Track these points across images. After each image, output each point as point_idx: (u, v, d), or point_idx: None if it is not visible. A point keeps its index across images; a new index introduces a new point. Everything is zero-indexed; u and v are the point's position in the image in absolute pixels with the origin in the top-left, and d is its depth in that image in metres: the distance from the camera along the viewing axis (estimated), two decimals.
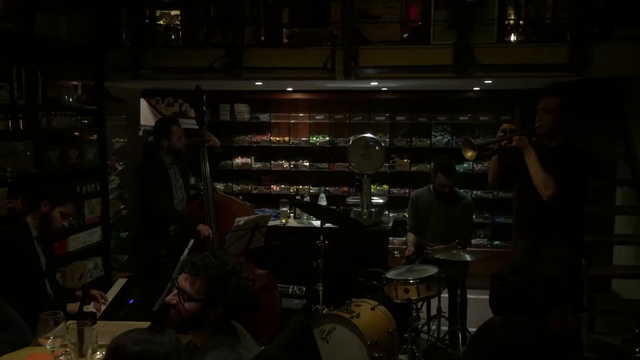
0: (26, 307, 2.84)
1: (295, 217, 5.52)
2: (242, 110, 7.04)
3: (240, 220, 4.01)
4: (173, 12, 5.83)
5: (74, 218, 4.55)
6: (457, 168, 6.46)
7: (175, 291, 2.12)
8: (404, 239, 6.58)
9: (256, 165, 7.12)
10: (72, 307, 3.15)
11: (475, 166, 6.69)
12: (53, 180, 4.20)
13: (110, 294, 3.42)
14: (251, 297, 2.21)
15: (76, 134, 4.98)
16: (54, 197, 3.36)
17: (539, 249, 3.55)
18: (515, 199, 6.53)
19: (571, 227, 3.51)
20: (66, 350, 2.38)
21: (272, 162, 7.09)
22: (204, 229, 4.32)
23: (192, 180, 5.31)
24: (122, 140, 5.89)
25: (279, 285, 4.75)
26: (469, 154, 3.67)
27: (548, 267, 2.01)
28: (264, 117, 7.09)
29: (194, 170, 4.81)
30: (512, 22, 5.23)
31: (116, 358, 1.56)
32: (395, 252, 5.45)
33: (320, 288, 4.32)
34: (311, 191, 6.85)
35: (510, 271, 2.01)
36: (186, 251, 4.03)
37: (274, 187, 7.09)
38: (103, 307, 3.23)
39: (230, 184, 7.14)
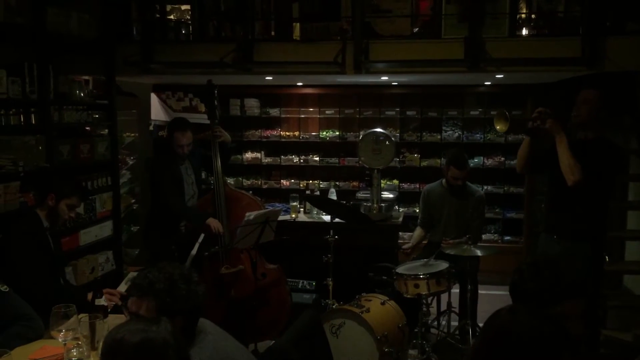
0: (53, 295, 2.87)
1: (305, 212, 5.52)
2: (252, 105, 7.05)
3: (251, 215, 4.01)
4: (183, 7, 5.83)
5: (84, 211, 4.59)
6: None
7: (128, 318, 2.06)
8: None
9: (266, 160, 7.12)
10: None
11: (486, 161, 6.67)
12: (63, 174, 4.24)
13: (121, 288, 3.44)
14: (203, 298, 2.10)
15: (87, 128, 5.00)
16: (59, 191, 3.41)
17: (561, 243, 3.53)
18: (526, 193, 6.50)
19: (595, 222, 3.50)
20: (78, 343, 2.40)
21: (282, 156, 7.09)
22: (213, 223, 4.33)
23: (203, 175, 5.32)
24: (132, 134, 5.91)
25: (289, 279, 4.76)
26: (500, 125, 3.66)
27: (572, 266, 2.04)
28: (274, 112, 7.09)
29: (205, 165, 4.81)
30: (523, 15, 5.19)
31: (116, 352, 1.53)
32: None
33: (330, 283, 4.33)
34: (321, 186, 6.85)
35: (535, 263, 2.04)
36: (197, 245, 4.04)
37: (284, 182, 7.09)
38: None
39: (240, 179, 7.15)
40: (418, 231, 5.00)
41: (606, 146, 3.50)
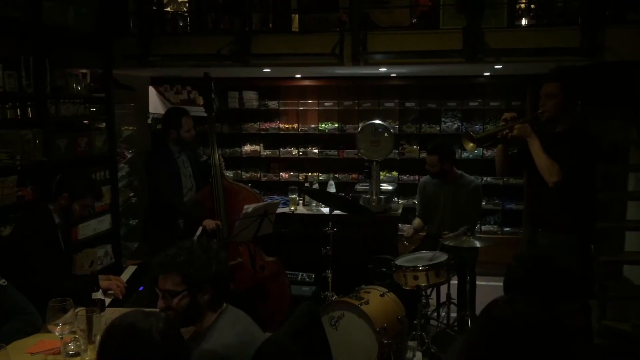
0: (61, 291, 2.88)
1: (304, 204, 5.50)
2: (251, 98, 7.03)
3: (249, 208, 4.00)
4: None
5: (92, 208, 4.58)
6: (467, 155, 6.48)
7: (160, 297, 2.16)
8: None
9: (265, 153, 7.11)
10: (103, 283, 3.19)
11: (485, 152, 6.65)
12: (69, 169, 4.22)
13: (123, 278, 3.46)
14: (227, 264, 2.27)
15: (85, 122, 4.99)
16: (72, 192, 3.37)
17: (547, 236, 3.51)
18: (526, 184, 6.48)
19: (579, 213, 3.47)
20: (75, 337, 2.40)
21: (281, 149, 7.08)
22: (209, 223, 4.32)
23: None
24: (131, 128, 5.89)
25: (288, 272, 4.76)
26: (469, 145, 3.69)
27: (568, 263, 2.03)
28: (273, 105, 7.07)
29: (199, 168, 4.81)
30: (522, 5, 5.16)
31: (108, 336, 1.64)
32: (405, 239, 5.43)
33: (330, 275, 4.32)
34: (320, 178, 6.84)
35: (529, 256, 2.03)
36: (195, 238, 4.04)
37: (283, 175, 7.08)
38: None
39: (239, 172, 7.15)
40: (417, 221, 4.99)
41: (580, 136, 3.44)
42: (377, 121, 5.35)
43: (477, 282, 4.72)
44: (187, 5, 5.75)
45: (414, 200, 6.30)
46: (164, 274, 2.15)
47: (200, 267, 2.13)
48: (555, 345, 1.56)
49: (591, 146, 3.46)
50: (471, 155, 6.54)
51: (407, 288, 4.05)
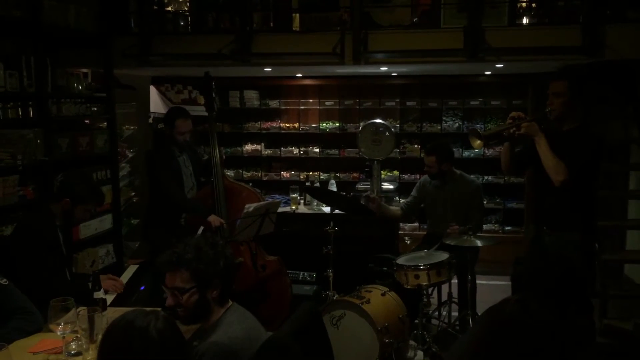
0: (60, 289, 2.88)
1: (305, 204, 5.51)
2: (252, 97, 7.03)
3: (250, 207, 4.00)
4: None
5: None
6: (468, 154, 6.48)
7: (169, 295, 2.18)
8: (415, 224, 6.57)
9: (266, 152, 7.11)
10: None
11: (486, 151, 6.64)
12: (71, 168, 4.22)
13: (124, 279, 3.46)
14: (233, 259, 2.29)
15: (86, 121, 4.99)
16: (75, 197, 3.37)
17: (551, 234, 3.51)
18: (527, 183, 6.48)
19: (584, 211, 3.48)
20: (77, 336, 2.40)
21: (282, 148, 7.08)
22: (215, 220, 4.32)
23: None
24: (132, 127, 5.90)
25: (289, 271, 4.76)
26: (477, 143, 3.68)
27: (574, 261, 2.03)
28: (274, 104, 7.07)
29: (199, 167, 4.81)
30: (523, 4, 5.16)
31: (108, 333, 1.67)
32: (406, 238, 5.42)
33: (331, 274, 4.32)
34: (321, 177, 6.84)
35: (538, 256, 2.04)
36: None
37: (284, 174, 7.08)
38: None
39: (240, 171, 7.15)
40: (396, 209, 4.96)
41: (585, 135, 3.46)
42: (378, 120, 5.36)
43: (478, 281, 4.71)
44: (187, 4, 5.75)
45: None
46: (172, 272, 2.16)
47: (208, 262, 2.15)
48: (565, 345, 1.56)
49: (596, 146, 3.47)
50: (472, 155, 6.54)
51: (408, 287, 4.05)
